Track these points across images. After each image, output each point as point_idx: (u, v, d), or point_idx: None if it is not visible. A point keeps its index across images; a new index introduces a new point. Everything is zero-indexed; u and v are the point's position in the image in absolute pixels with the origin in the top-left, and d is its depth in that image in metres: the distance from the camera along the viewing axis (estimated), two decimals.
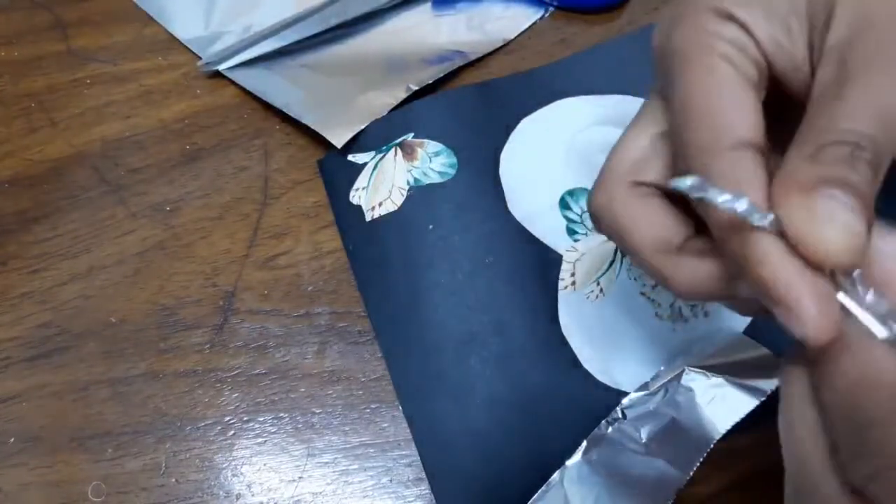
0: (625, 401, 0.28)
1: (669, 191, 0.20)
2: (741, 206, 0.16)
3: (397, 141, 0.36)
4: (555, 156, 0.36)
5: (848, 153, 0.16)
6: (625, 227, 0.21)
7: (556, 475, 0.27)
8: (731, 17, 0.19)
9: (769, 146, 0.19)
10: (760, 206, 0.17)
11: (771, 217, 0.17)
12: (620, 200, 0.21)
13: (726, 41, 0.19)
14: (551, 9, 0.43)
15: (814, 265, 0.16)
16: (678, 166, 0.20)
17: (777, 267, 0.16)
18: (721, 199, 0.17)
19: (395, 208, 0.34)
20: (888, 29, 0.17)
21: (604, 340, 0.31)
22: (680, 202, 0.21)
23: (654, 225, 0.21)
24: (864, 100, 0.17)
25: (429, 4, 0.43)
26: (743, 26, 0.19)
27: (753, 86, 0.19)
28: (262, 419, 0.31)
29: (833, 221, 0.16)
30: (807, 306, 0.16)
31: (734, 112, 0.18)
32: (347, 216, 0.35)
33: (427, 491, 0.29)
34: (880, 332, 0.16)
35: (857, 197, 0.16)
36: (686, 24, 0.20)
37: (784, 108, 0.20)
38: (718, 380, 0.26)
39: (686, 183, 0.17)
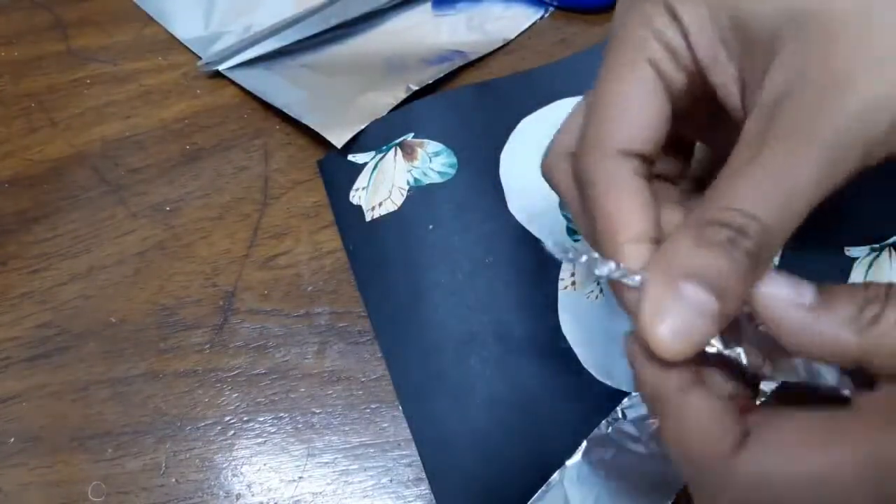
0: (625, 401, 0.28)
1: None
2: (611, 269, 0.18)
3: (397, 141, 0.36)
4: None
5: (725, 239, 0.16)
6: (560, 193, 0.22)
7: (556, 475, 0.27)
8: (675, 17, 0.19)
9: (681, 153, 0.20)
10: (624, 236, 0.18)
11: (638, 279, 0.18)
12: (556, 175, 0.22)
13: (660, 42, 0.19)
14: (551, 9, 0.43)
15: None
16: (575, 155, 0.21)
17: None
18: (596, 266, 0.18)
19: (395, 208, 0.34)
20: (819, 90, 0.16)
21: (604, 340, 0.31)
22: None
23: (631, 208, 0.21)
24: (768, 180, 0.16)
25: (429, 4, 0.43)
26: (683, 29, 0.19)
27: (672, 94, 0.19)
28: (262, 419, 0.31)
29: (672, 325, 0.16)
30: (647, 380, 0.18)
31: (634, 121, 0.19)
32: (347, 216, 0.35)
33: (427, 491, 0.29)
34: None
35: (716, 292, 0.16)
36: (632, 9, 0.19)
37: (722, 114, 0.20)
38: None
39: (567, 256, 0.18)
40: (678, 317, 0.16)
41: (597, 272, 0.18)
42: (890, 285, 0.17)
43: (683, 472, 0.18)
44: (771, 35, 0.17)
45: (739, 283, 0.16)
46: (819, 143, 0.16)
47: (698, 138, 0.23)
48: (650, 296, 0.17)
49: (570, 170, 0.21)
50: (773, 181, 0.16)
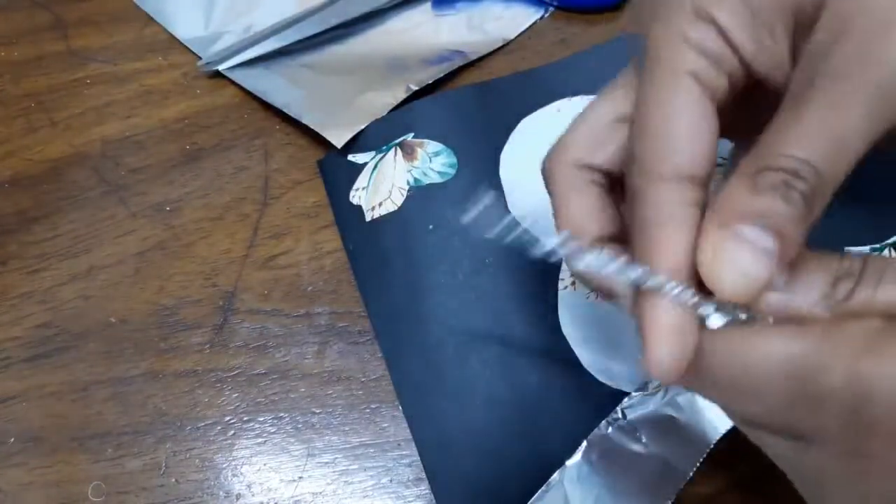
0: (625, 401, 0.28)
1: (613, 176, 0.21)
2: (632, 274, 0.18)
3: (397, 141, 0.36)
4: None
5: (781, 182, 0.16)
6: (557, 203, 0.22)
7: (556, 475, 0.27)
8: (711, 21, 0.18)
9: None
10: (675, 252, 0.18)
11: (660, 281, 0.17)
12: (562, 177, 0.21)
13: (700, 51, 0.18)
14: (551, 9, 0.43)
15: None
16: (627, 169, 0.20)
17: (650, 326, 0.17)
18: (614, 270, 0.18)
19: (395, 208, 0.34)
20: (864, 38, 0.17)
21: (604, 340, 0.31)
22: (617, 196, 0.21)
23: (580, 212, 0.21)
24: (817, 122, 0.16)
25: (429, 4, 0.43)
26: (721, 32, 0.18)
27: (716, 104, 0.19)
28: (262, 419, 0.31)
29: (732, 266, 0.16)
30: (657, 361, 0.17)
31: (685, 141, 0.18)
32: (347, 216, 0.35)
33: (427, 491, 0.29)
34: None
35: (775, 234, 0.16)
36: (664, 20, 0.19)
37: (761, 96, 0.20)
38: None
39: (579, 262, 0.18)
40: (740, 257, 0.16)
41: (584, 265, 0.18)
42: (865, 261, 0.17)
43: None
44: (813, 2, 0.18)
45: (797, 225, 0.16)
46: (865, 87, 0.16)
47: (732, 139, 0.23)
48: (709, 241, 0.17)
49: (584, 181, 0.21)
50: (823, 125, 0.16)
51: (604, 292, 0.21)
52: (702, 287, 0.17)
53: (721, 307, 0.18)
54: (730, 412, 0.19)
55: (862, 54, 0.17)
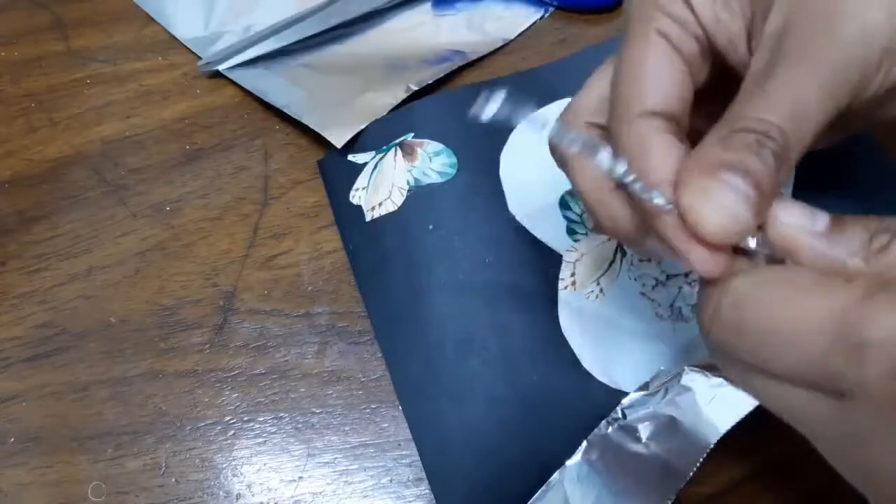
0: (625, 401, 0.28)
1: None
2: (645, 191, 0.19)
3: (397, 141, 0.36)
4: None
5: (754, 140, 0.18)
6: (570, 163, 0.23)
7: (556, 475, 0.27)
8: None
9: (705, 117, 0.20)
10: (657, 176, 0.19)
11: (663, 199, 0.18)
12: (575, 133, 0.23)
13: (668, 16, 0.21)
14: (551, 9, 0.43)
15: (697, 239, 0.18)
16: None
17: (677, 237, 0.18)
18: (629, 179, 0.19)
19: (395, 208, 0.34)
20: (818, 20, 0.19)
21: (604, 340, 0.31)
22: None
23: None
24: (781, 92, 0.18)
25: (429, 4, 0.43)
26: (687, 1, 0.21)
27: (686, 61, 0.21)
28: (262, 419, 0.31)
29: (717, 205, 0.17)
30: (699, 262, 0.18)
31: (652, 83, 0.20)
32: (347, 216, 0.35)
33: (427, 491, 0.29)
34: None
35: (751, 184, 0.17)
36: None
37: (732, 84, 0.21)
38: (718, 380, 0.26)
39: (604, 161, 0.19)
40: (725, 198, 0.17)
41: (616, 172, 0.19)
42: None
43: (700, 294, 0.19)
44: None
45: (770, 180, 0.17)
46: (821, 64, 0.18)
47: None
48: (691, 183, 0.18)
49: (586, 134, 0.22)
50: (788, 95, 0.18)
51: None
52: None
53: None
54: (758, 365, 0.18)
55: (814, 37, 0.18)
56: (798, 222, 0.18)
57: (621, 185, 0.20)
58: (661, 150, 0.19)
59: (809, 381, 0.17)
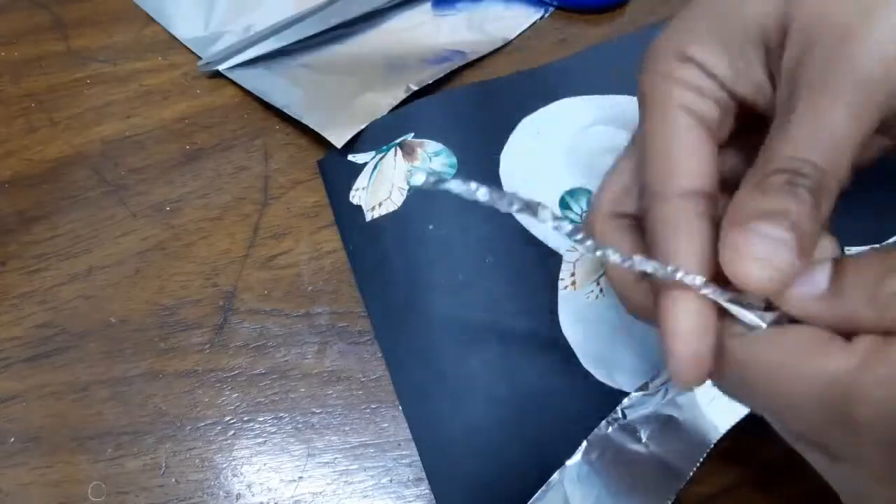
0: (625, 401, 0.28)
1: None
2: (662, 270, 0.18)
3: (397, 141, 0.36)
4: (555, 156, 0.36)
5: (785, 181, 0.17)
6: (607, 252, 0.23)
7: (556, 475, 0.27)
8: (690, 60, 0.21)
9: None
10: (692, 255, 0.19)
11: (692, 277, 0.18)
12: (600, 230, 0.23)
13: (685, 86, 0.21)
14: (551, 9, 0.43)
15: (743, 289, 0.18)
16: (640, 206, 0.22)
17: (675, 335, 0.19)
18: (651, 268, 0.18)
19: (395, 208, 0.34)
20: (832, 46, 0.18)
21: (604, 340, 0.31)
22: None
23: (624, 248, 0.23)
24: (807, 125, 0.18)
25: (429, 4, 0.43)
26: (701, 66, 0.21)
27: (710, 131, 0.21)
28: (262, 419, 0.31)
29: (754, 258, 0.17)
30: (678, 365, 0.19)
31: (683, 163, 0.20)
32: (347, 216, 0.35)
33: (427, 491, 0.29)
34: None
35: (788, 227, 0.17)
36: (650, 69, 0.21)
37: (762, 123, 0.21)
38: None
39: (614, 258, 0.18)
40: (761, 249, 0.17)
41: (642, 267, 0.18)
42: None
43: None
44: (778, 25, 0.19)
45: (807, 218, 0.17)
46: (841, 88, 0.18)
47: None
48: (728, 240, 0.18)
49: (616, 226, 0.22)
50: (811, 127, 0.18)
51: (631, 301, 0.22)
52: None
53: (752, 305, 0.18)
54: (767, 417, 0.19)
55: (831, 62, 0.18)
56: (797, 291, 0.18)
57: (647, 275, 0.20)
58: (696, 235, 0.19)
59: (811, 441, 0.17)
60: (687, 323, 0.18)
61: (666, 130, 0.20)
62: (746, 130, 0.22)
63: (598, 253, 0.18)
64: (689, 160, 0.20)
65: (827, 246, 0.19)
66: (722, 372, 0.18)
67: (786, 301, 0.18)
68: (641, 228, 0.22)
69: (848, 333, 0.17)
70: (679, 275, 0.18)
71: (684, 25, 0.21)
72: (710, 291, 0.18)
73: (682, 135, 0.20)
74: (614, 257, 0.18)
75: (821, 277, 0.18)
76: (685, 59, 0.21)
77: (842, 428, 0.16)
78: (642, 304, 0.22)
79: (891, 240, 0.32)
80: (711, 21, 0.21)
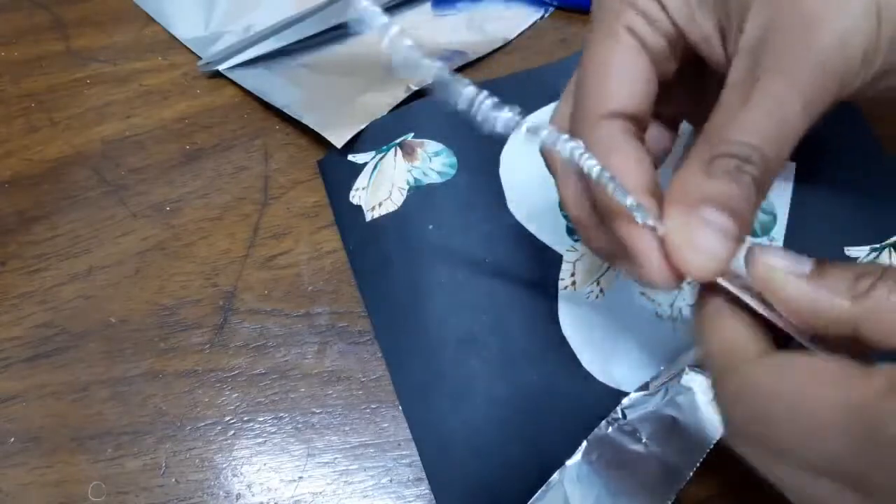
0: (625, 401, 0.28)
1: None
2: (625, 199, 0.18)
3: (397, 141, 0.36)
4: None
5: (734, 167, 0.18)
6: (557, 175, 0.23)
7: (556, 475, 0.27)
8: None
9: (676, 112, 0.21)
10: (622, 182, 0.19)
11: (650, 220, 0.19)
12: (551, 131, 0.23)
13: (636, 10, 0.20)
14: (551, 9, 0.43)
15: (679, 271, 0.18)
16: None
17: (645, 254, 0.19)
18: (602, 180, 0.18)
19: (395, 208, 0.34)
20: (796, 33, 0.18)
21: (604, 340, 0.31)
22: None
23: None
24: (762, 112, 0.18)
25: (429, 4, 0.43)
26: None
27: (653, 57, 0.21)
28: (262, 419, 0.31)
29: (699, 245, 0.18)
30: (650, 265, 0.19)
31: (617, 83, 0.20)
32: (347, 216, 0.35)
33: (427, 491, 0.29)
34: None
35: (731, 215, 0.18)
36: None
37: (706, 76, 0.22)
38: None
39: (566, 151, 0.18)
40: (706, 239, 0.18)
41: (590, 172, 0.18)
42: (886, 268, 0.18)
43: (714, 377, 0.19)
44: None
45: (749, 206, 0.18)
46: (801, 77, 0.18)
47: (684, 116, 0.25)
48: (675, 222, 0.18)
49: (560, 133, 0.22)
50: (767, 115, 0.18)
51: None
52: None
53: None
54: (782, 454, 0.18)
55: (792, 49, 0.18)
56: (783, 264, 0.18)
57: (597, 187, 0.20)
58: (623, 158, 0.19)
59: (836, 474, 0.17)
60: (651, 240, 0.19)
61: (605, 47, 0.21)
62: (691, 73, 0.22)
63: (551, 141, 0.18)
64: (625, 82, 0.20)
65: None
66: (739, 400, 0.18)
67: (770, 273, 0.18)
68: None
69: (820, 324, 0.18)
70: (627, 200, 0.18)
71: None
72: (651, 222, 0.19)
73: (623, 55, 0.20)
74: (567, 145, 0.18)
75: (806, 263, 0.18)
76: None
77: (872, 459, 0.16)
78: (595, 232, 0.22)
79: (891, 239, 0.32)
80: None
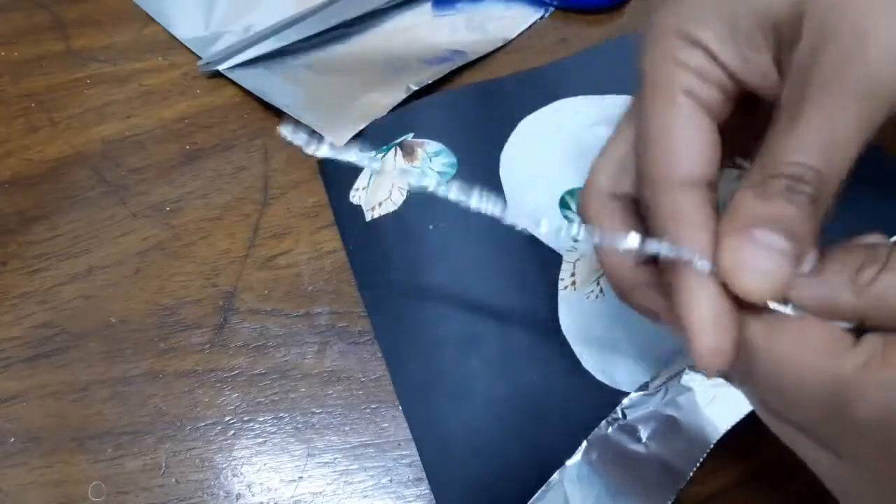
0: (625, 401, 0.28)
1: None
2: (681, 253, 0.18)
3: (397, 141, 0.36)
4: (555, 155, 0.36)
5: (786, 187, 0.17)
6: (601, 234, 0.23)
7: (556, 475, 0.27)
8: (695, 43, 0.20)
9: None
10: (699, 248, 0.18)
11: (707, 265, 0.18)
12: (595, 211, 0.23)
13: (689, 70, 0.20)
14: (551, 9, 0.43)
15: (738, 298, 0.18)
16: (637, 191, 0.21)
17: (694, 314, 0.18)
18: (662, 250, 0.18)
19: (395, 208, 0.34)
20: (846, 46, 0.18)
21: (604, 340, 0.31)
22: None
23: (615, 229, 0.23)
24: (814, 128, 0.18)
25: (429, 4, 0.43)
26: (706, 50, 0.20)
27: (712, 115, 0.20)
28: (262, 419, 0.31)
29: (754, 267, 0.17)
30: (702, 354, 0.18)
31: (685, 151, 0.20)
32: (347, 216, 0.35)
33: (427, 491, 0.29)
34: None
35: (787, 235, 0.17)
36: (653, 49, 0.21)
37: (759, 110, 0.21)
38: (718, 380, 0.26)
39: (624, 242, 0.18)
40: (758, 260, 0.17)
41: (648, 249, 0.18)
42: (890, 253, 0.18)
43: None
44: (791, 15, 0.19)
45: (806, 224, 0.18)
46: (852, 92, 0.17)
47: (743, 156, 0.24)
48: (727, 248, 0.18)
49: (613, 208, 0.22)
50: (819, 131, 0.17)
51: (645, 306, 0.22)
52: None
53: None
54: (768, 409, 0.19)
55: (841, 64, 0.18)
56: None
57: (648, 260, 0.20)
58: (699, 229, 0.19)
59: (811, 435, 0.18)
60: (709, 312, 0.18)
61: (667, 115, 0.20)
62: (743, 110, 0.21)
63: (605, 242, 0.18)
64: (692, 147, 0.20)
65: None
66: (741, 364, 0.18)
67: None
68: (637, 210, 0.22)
69: (827, 318, 0.18)
70: (695, 259, 0.18)
71: (689, 4, 0.20)
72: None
73: (686, 120, 0.20)
74: (622, 243, 0.18)
75: (809, 258, 0.18)
76: (690, 41, 0.20)
77: (843, 425, 0.16)
78: (641, 293, 0.22)
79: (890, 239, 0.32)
80: (719, 3, 0.20)
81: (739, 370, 0.18)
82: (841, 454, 0.17)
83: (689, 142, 0.20)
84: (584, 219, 0.23)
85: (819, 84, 0.18)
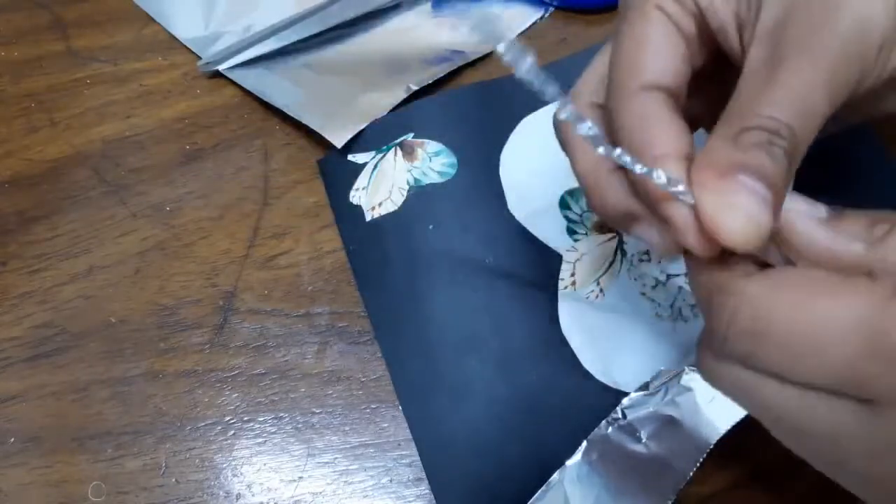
0: (625, 401, 0.28)
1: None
2: (656, 176, 0.18)
3: (397, 141, 0.36)
4: (555, 156, 0.35)
5: (766, 140, 0.17)
6: (572, 145, 0.23)
7: (556, 475, 0.27)
8: None
9: (707, 95, 0.21)
10: (660, 150, 0.18)
11: (681, 189, 0.18)
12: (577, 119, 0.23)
13: None
14: (551, 9, 0.43)
15: (715, 243, 0.17)
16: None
17: (682, 223, 0.18)
18: (633, 166, 0.18)
19: (395, 208, 0.34)
20: (818, 12, 0.18)
21: (604, 340, 0.31)
22: None
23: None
24: (790, 88, 0.18)
25: (429, 4, 0.43)
26: None
27: (684, 36, 0.21)
28: (262, 419, 0.31)
29: (738, 211, 0.17)
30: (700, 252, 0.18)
31: (652, 56, 0.20)
32: (347, 216, 0.35)
33: (427, 491, 0.29)
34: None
35: (767, 185, 0.17)
36: None
37: (724, 71, 0.21)
38: None
39: (604, 152, 0.17)
40: (746, 203, 0.17)
41: (634, 167, 0.18)
42: None
43: (706, 303, 0.19)
44: None
45: (782, 180, 0.17)
46: (824, 57, 0.18)
47: (700, 124, 0.24)
48: (709, 184, 0.17)
49: (597, 117, 0.22)
50: (794, 92, 0.18)
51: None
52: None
53: None
54: (776, 372, 0.17)
55: (814, 30, 0.18)
56: (800, 208, 0.18)
57: (623, 168, 0.19)
58: (663, 124, 0.19)
59: (834, 387, 0.16)
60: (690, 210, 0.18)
61: (636, 25, 0.21)
62: (706, 77, 0.22)
63: (587, 132, 0.17)
64: (658, 55, 0.20)
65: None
66: (735, 318, 0.17)
67: (787, 215, 0.18)
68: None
69: (836, 268, 0.17)
70: (661, 178, 0.18)
71: None
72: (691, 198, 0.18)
73: (656, 33, 0.20)
74: (593, 129, 0.17)
75: (822, 207, 0.18)
76: None
77: (879, 361, 0.15)
78: (611, 198, 0.21)
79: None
80: None
81: (745, 350, 0.17)
82: (874, 397, 0.16)
83: (657, 50, 0.20)
84: (559, 130, 0.23)
85: (794, 46, 0.18)
